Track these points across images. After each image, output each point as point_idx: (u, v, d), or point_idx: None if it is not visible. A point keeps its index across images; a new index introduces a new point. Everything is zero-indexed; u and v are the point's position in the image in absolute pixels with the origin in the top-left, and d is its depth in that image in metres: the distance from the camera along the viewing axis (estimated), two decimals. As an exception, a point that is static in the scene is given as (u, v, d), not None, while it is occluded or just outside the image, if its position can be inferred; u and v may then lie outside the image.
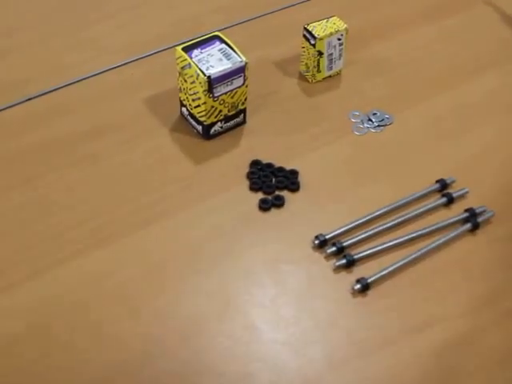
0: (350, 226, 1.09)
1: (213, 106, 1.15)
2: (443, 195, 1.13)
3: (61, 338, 0.96)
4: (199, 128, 1.20)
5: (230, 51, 1.15)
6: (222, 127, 1.21)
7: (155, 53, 1.37)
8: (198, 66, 1.11)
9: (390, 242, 1.07)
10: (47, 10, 1.47)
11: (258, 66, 1.33)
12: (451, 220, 1.09)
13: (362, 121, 1.25)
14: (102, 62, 1.35)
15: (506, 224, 1.11)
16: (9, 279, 1.02)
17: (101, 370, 0.93)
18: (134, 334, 0.97)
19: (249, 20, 1.44)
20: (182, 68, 1.15)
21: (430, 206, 1.11)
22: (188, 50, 1.14)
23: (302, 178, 1.16)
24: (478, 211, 1.10)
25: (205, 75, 1.10)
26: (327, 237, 1.07)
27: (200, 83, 1.12)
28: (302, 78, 1.33)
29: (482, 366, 0.95)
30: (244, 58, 1.14)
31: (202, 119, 1.17)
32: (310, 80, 1.32)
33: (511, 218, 1.11)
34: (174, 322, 0.98)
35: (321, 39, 1.25)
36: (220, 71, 1.12)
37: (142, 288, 1.02)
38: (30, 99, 1.27)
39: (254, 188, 1.14)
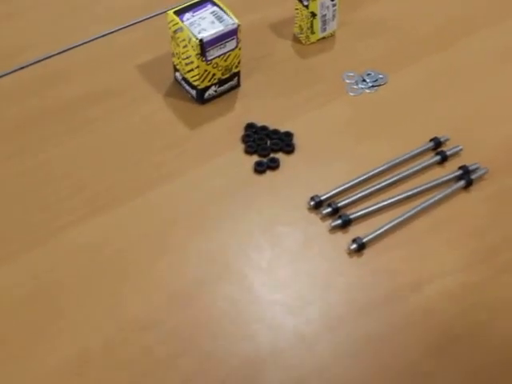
0: (345, 187, 1.09)
1: (206, 70, 1.15)
2: (437, 153, 1.13)
3: (62, 305, 0.97)
4: (193, 92, 1.20)
5: (222, 14, 1.14)
6: (216, 91, 1.20)
7: (148, 18, 1.36)
8: (189, 30, 1.11)
9: (385, 201, 1.07)
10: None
11: (252, 29, 1.32)
12: (445, 178, 1.09)
13: (356, 81, 1.25)
14: (95, 28, 1.34)
15: (499, 181, 1.11)
16: (9, 248, 1.03)
17: (101, 335, 0.94)
18: (133, 300, 0.98)
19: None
20: (174, 32, 1.15)
21: (424, 165, 1.11)
22: (180, 13, 1.14)
23: (297, 140, 1.16)
24: (471, 168, 1.10)
25: (197, 38, 1.10)
26: (322, 198, 1.07)
27: (192, 47, 1.11)
28: (295, 40, 1.33)
29: (477, 322, 0.96)
30: (236, 21, 1.13)
31: (195, 83, 1.17)
32: (304, 42, 1.31)
33: (504, 175, 1.12)
34: (172, 287, 0.99)
35: (314, 0, 1.24)
36: (212, 34, 1.11)
37: (141, 254, 1.02)
38: (23, 67, 1.27)
39: (248, 151, 1.14)
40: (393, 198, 1.07)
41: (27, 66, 1.27)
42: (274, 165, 1.12)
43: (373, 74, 1.26)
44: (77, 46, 1.31)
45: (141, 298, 0.98)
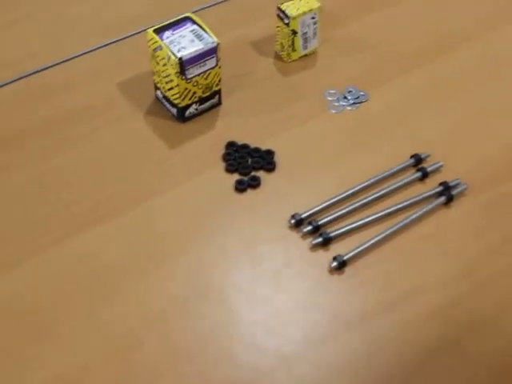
0: (325, 204, 1.08)
1: (186, 88, 1.15)
2: (418, 170, 1.13)
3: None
4: (174, 111, 1.19)
5: (202, 32, 1.14)
6: (196, 109, 1.20)
7: (129, 36, 1.36)
8: (169, 48, 1.11)
9: (366, 218, 1.07)
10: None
11: (233, 47, 1.32)
12: (426, 194, 1.09)
13: (337, 99, 1.25)
14: (76, 45, 1.34)
15: (479, 196, 1.11)
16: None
17: (89, 351, 0.94)
18: (115, 318, 0.97)
19: (222, 2, 1.43)
20: (154, 50, 1.14)
21: (405, 181, 1.11)
22: (159, 31, 1.14)
23: (278, 158, 1.15)
24: (451, 184, 1.10)
25: (176, 57, 1.10)
26: (303, 216, 1.07)
27: (172, 65, 1.11)
28: (277, 57, 1.33)
29: (460, 337, 0.96)
30: (216, 39, 1.13)
31: (176, 102, 1.17)
32: (286, 59, 1.31)
33: (484, 190, 1.12)
34: (152, 305, 0.98)
35: (294, 18, 1.24)
36: (191, 53, 1.11)
37: (126, 271, 1.02)
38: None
39: (229, 169, 1.14)
40: (374, 214, 1.07)
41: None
42: (254, 183, 1.12)
43: (354, 91, 1.26)
44: (56, 65, 1.30)
45: (122, 317, 0.97)
